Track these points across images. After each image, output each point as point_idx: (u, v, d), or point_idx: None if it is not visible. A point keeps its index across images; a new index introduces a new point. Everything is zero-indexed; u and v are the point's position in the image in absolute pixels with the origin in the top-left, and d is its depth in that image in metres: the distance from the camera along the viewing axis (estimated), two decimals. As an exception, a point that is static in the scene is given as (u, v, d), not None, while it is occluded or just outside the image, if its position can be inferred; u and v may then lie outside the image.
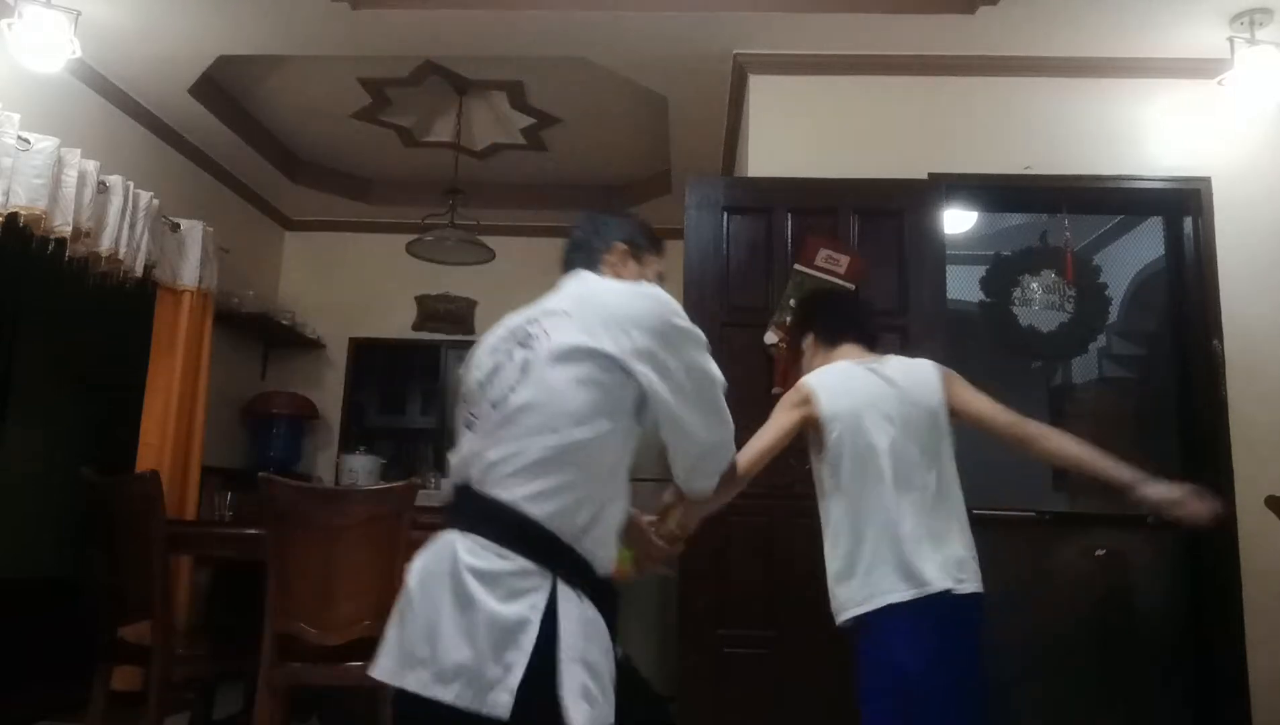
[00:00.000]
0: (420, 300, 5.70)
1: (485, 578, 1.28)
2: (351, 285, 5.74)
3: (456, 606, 1.28)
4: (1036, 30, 3.39)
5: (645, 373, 1.36)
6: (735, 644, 3.00)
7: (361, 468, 5.15)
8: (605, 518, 1.37)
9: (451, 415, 1.97)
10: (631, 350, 1.35)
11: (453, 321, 5.71)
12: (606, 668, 1.32)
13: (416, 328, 5.72)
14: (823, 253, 3.27)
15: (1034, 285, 3.69)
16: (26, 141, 3.27)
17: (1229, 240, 3.40)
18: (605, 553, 1.38)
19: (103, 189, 3.63)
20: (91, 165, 3.54)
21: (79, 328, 5.47)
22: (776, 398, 3.12)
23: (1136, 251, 4.09)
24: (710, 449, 1.50)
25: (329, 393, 5.67)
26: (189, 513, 4.12)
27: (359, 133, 4.88)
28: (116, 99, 4.05)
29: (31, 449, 5.53)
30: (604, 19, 3.47)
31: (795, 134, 3.56)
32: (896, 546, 1.95)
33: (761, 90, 3.63)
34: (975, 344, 3.77)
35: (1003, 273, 3.73)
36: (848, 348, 2.21)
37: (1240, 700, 3.10)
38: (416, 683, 1.28)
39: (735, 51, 3.62)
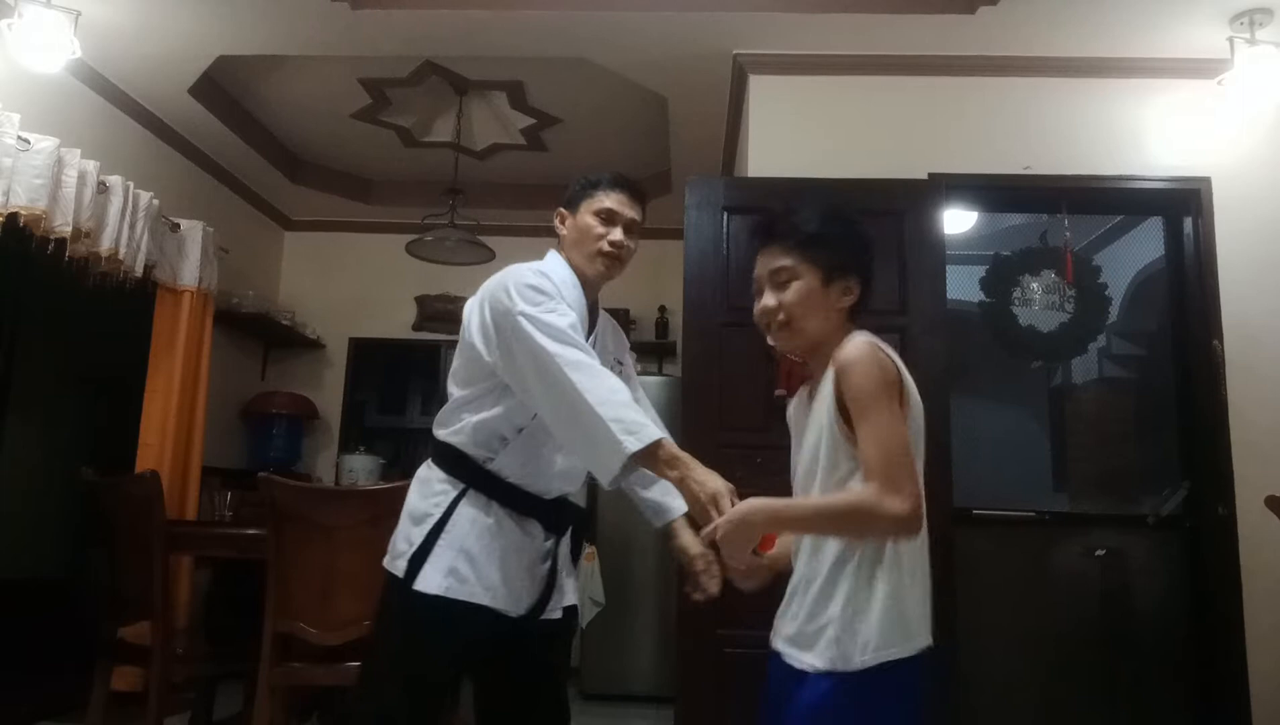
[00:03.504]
0: (420, 300, 5.69)
1: (418, 482, 1.82)
2: (351, 285, 5.74)
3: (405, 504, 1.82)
4: (1036, 30, 3.39)
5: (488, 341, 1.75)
6: (735, 644, 2.99)
7: (361, 468, 5.14)
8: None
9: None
10: (478, 325, 1.75)
11: (453, 321, 5.66)
12: (489, 559, 1.70)
13: (416, 328, 5.71)
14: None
15: (1034, 285, 3.69)
16: (26, 141, 3.27)
17: (1229, 240, 3.40)
18: (516, 471, 1.75)
19: (103, 189, 3.63)
20: (91, 165, 3.54)
21: (79, 328, 5.47)
22: (779, 399, 3.17)
23: (1136, 251, 4.09)
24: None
25: (329, 393, 5.67)
26: (189, 513, 4.11)
27: (359, 133, 4.88)
28: (116, 99, 4.05)
29: (31, 449, 5.53)
30: (604, 19, 3.47)
31: (795, 134, 3.56)
32: (928, 576, 1.51)
33: (761, 90, 3.63)
34: (975, 344, 3.77)
35: (1003, 273, 3.73)
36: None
37: (1240, 700, 3.10)
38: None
39: (735, 51, 3.61)
